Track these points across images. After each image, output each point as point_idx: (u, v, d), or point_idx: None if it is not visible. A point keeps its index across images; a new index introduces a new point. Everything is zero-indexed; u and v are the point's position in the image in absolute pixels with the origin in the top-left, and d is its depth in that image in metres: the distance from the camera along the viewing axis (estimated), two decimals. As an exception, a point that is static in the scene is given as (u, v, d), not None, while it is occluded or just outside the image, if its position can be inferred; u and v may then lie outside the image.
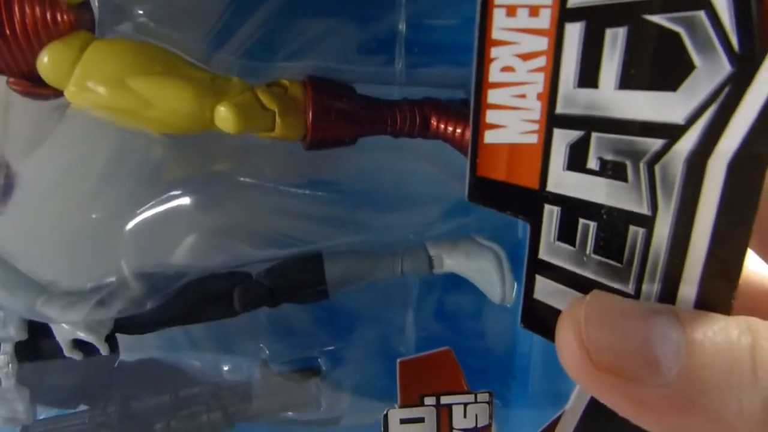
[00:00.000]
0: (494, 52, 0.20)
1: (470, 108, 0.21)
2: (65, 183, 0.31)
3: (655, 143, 0.18)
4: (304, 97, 0.30)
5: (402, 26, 0.34)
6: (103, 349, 0.34)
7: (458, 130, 0.31)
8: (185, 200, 0.32)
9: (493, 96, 0.21)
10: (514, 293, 0.34)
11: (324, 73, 0.32)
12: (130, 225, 0.31)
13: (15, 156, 0.31)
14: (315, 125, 0.29)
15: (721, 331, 0.17)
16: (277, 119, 0.29)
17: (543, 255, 0.22)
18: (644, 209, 0.19)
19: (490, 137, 0.21)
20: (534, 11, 0.20)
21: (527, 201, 0.22)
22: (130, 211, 0.32)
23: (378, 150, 0.34)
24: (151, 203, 0.31)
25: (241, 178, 0.33)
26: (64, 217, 0.31)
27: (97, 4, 0.29)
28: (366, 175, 0.37)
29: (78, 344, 0.34)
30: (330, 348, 0.41)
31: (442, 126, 0.31)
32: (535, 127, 0.21)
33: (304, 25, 0.33)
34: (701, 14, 0.17)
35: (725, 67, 0.17)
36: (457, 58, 0.34)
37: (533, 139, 0.21)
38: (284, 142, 0.30)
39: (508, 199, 0.22)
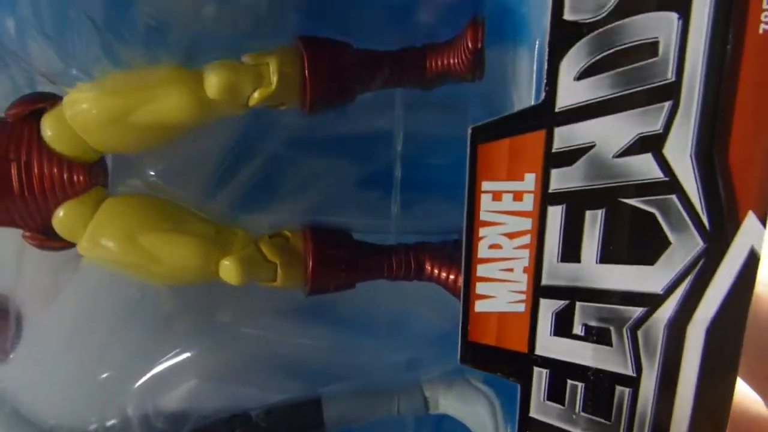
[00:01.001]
0: (482, 231, 0.22)
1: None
2: (74, 330, 0.32)
3: (637, 311, 0.20)
4: (304, 248, 0.31)
5: (398, 171, 0.35)
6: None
7: (451, 277, 0.32)
8: (189, 348, 0.32)
9: (482, 270, 0.22)
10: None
11: (322, 208, 0.34)
12: (139, 376, 0.32)
13: (26, 303, 0.32)
14: (315, 276, 0.30)
15: None
16: (279, 271, 0.30)
17: (534, 413, 0.23)
18: (629, 371, 0.20)
19: (480, 307, 0.23)
20: (518, 196, 0.21)
21: (517, 364, 0.23)
22: (139, 360, 0.32)
23: (375, 288, 0.35)
24: (160, 354, 0.32)
25: (243, 329, 0.34)
26: (72, 364, 0.32)
27: (111, 161, 0.30)
28: (363, 313, 0.37)
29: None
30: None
31: (436, 271, 0.32)
32: (522, 297, 0.22)
33: (303, 165, 0.35)
34: (673, 197, 0.18)
35: (698, 243, 0.18)
36: (449, 192, 0.36)
37: (521, 308, 0.22)
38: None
39: (498, 362, 0.23)
